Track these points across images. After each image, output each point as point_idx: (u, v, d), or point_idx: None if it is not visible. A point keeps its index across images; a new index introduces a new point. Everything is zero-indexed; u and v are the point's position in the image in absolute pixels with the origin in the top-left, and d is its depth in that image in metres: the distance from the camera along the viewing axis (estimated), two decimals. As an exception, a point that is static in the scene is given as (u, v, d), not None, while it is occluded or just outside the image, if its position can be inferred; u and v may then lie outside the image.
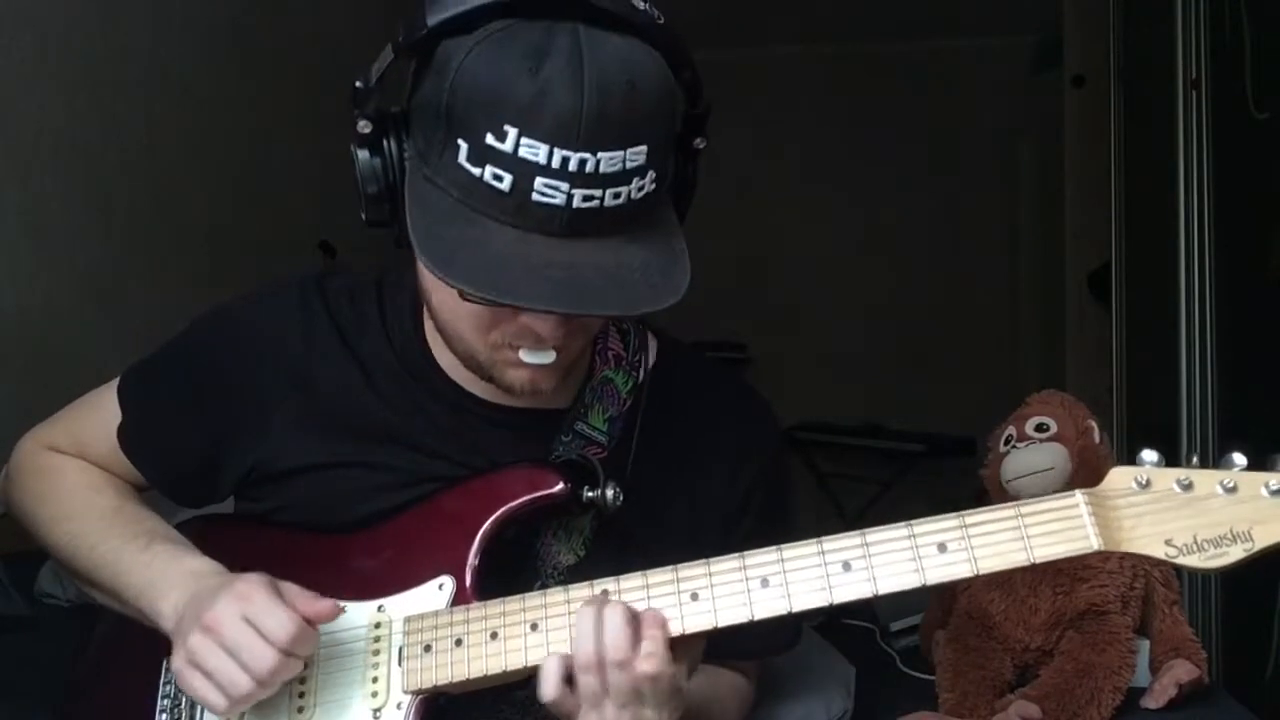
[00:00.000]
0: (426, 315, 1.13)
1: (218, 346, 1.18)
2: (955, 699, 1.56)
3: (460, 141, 0.91)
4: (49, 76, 2.63)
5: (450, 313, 1.03)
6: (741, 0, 4.58)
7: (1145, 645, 1.57)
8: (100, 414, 1.21)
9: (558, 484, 1.06)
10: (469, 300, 0.95)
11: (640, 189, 0.93)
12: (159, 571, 1.06)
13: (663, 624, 0.93)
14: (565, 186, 0.90)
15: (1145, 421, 3.00)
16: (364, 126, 0.97)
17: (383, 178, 0.98)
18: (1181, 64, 2.61)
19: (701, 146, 1.02)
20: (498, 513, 1.05)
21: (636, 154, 0.91)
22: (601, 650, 0.92)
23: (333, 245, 3.36)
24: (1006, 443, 1.67)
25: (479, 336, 1.02)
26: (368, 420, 1.13)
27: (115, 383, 1.23)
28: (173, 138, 3.02)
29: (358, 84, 0.98)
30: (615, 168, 0.91)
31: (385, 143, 0.97)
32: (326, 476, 1.13)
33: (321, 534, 1.12)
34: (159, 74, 2.99)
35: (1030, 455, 1.61)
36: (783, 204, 5.19)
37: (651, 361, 1.19)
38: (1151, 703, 1.50)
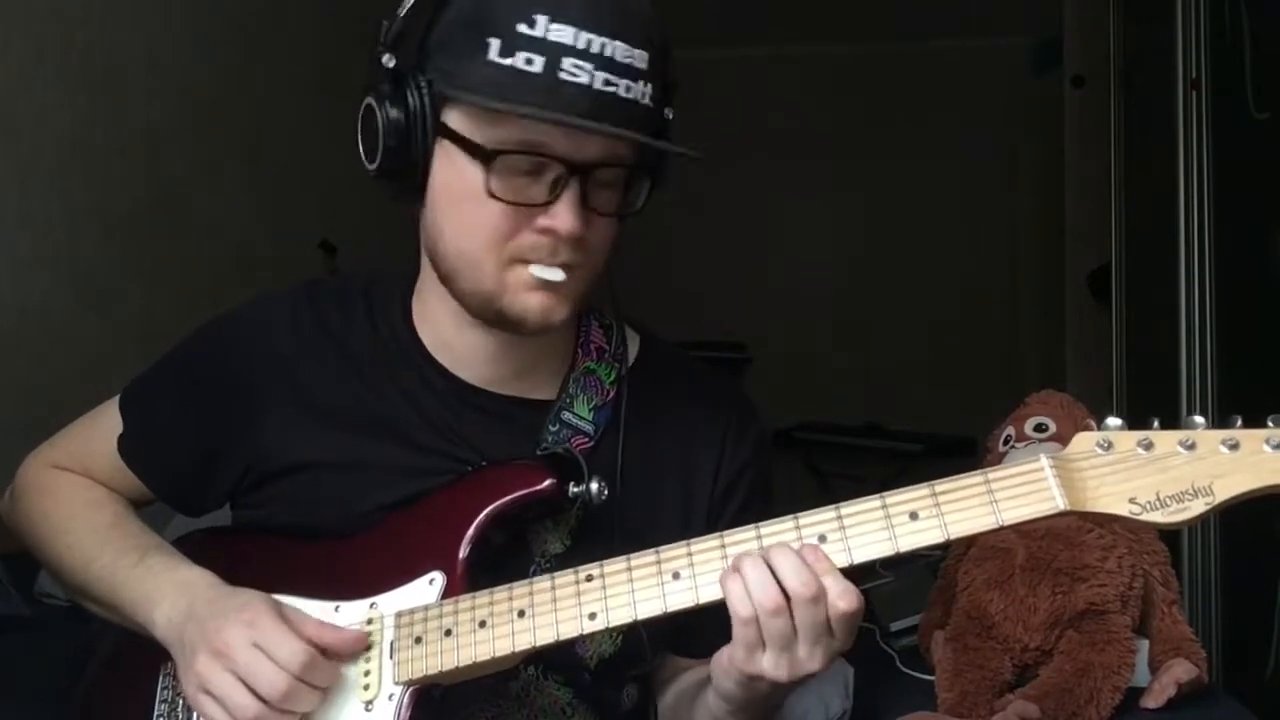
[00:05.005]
0: (419, 296, 1.16)
1: (211, 351, 1.21)
2: (954, 699, 1.56)
3: (491, 40, 0.97)
4: (49, 76, 2.64)
5: (469, 232, 1.04)
6: (743, 0, 4.58)
7: (1145, 645, 1.57)
8: (102, 429, 1.24)
9: (545, 481, 1.07)
10: (509, 147, 0.99)
11: (644, 95, 1.00)
12: (152, 583, 1.09)
13: (829, 559, 0.95)
14: (590, 67, 0.97)
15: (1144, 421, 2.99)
16: (389, 60, 1.01)
17: (403, 117, 1.01)
18: (1181, 64, 2.60)
19: (671, 117, 1.07)
20: (487, 509, 1.06)
21: (643, 57, 1.00)
22: (792, 590, 0.92)
23: (333, 245, 3.36)
24: (1005, 443, 1.67)
25: (494, 253, 1.03)
26: (357, 413, 1.14)
27: (116, 398, 1.25)
28: (173, 138, 3.03)
29: (386, 23, 1.02)
30: (628, 60, 0.99)
31: (407, 81, 1.01)
32: (319, 475, 1.14)
33: (315, 539, 1.13)
34: (159, 74, 2.99)
35: (1029, 455, 1.61)
36: (782, 203, 5.19)
37: (634, 355, 1.21)
38: (1151, 702, 1.50)
